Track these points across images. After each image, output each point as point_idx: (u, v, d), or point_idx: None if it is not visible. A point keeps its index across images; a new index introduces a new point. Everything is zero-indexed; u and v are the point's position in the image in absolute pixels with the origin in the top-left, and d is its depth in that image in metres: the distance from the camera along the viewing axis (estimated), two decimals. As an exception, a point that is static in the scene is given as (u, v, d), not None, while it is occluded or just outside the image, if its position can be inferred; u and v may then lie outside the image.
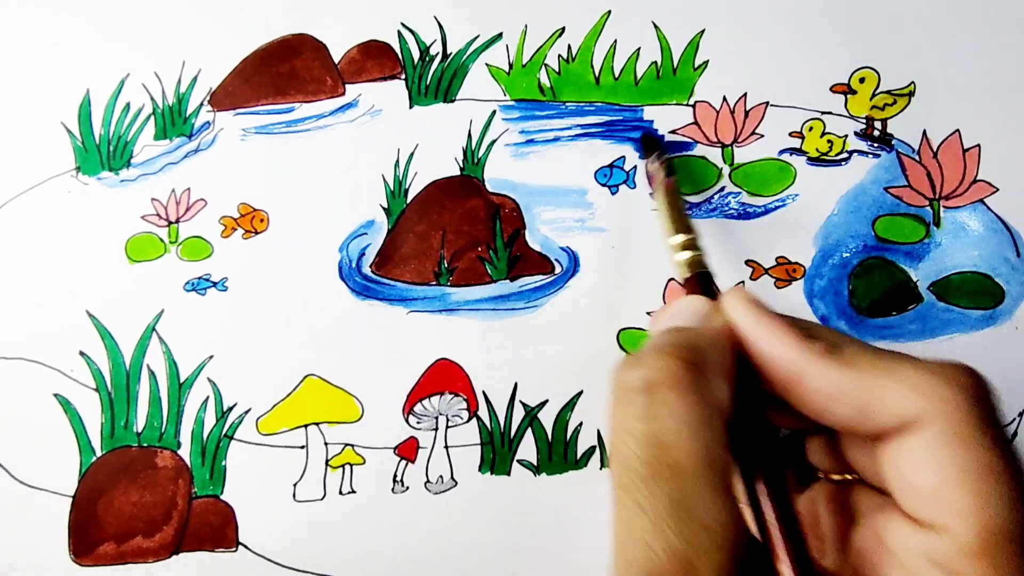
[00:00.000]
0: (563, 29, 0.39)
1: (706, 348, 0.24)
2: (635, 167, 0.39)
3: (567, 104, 0.39)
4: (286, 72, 0.40)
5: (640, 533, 0.22)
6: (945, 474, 0.22)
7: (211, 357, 0.39)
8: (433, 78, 0.40)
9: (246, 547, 0.38)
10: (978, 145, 0.38)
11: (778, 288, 0.38)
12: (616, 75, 0.39)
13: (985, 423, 0.22)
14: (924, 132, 0.38)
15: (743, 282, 0.26)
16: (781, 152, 0.39)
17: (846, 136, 0.38)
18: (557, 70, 0.39)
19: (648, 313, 0.38)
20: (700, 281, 0.29)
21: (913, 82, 0.38)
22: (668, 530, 0.21)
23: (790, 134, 0.38)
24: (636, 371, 0.23)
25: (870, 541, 0.25)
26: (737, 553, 0.21)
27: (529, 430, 0.38)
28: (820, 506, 0.28)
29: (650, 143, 0.38)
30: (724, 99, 0.39)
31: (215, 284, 0.39)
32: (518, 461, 0.38)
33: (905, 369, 0.23)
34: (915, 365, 0.23)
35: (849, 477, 0.28)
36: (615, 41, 0.39)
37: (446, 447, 0.38)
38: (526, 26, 0.40)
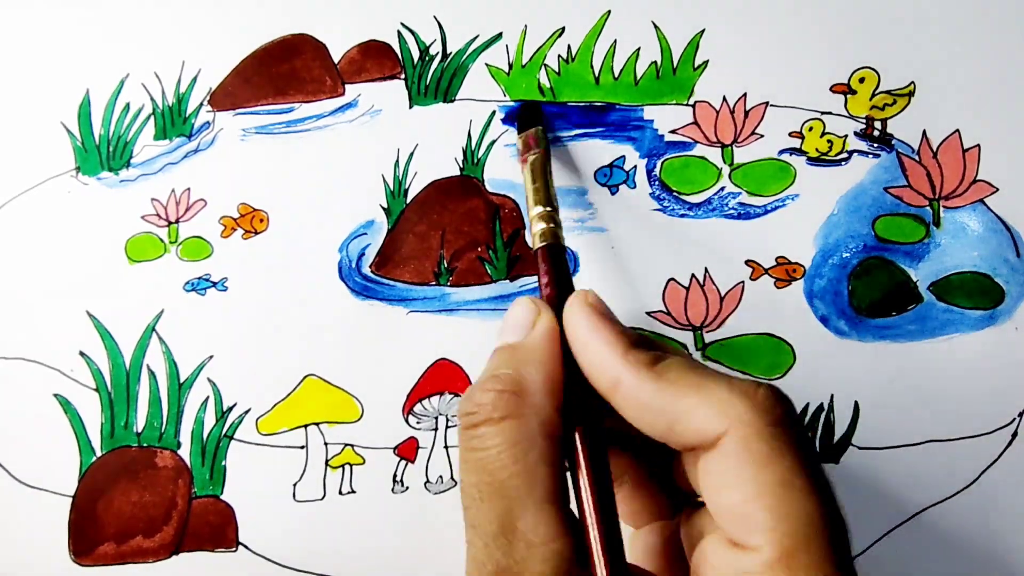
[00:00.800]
0: (563, 29, 0.39)
1: (525, 369, 0.26)
2: (635, 167, 0.39)
3: (567, 104, 0.39)
4: (286, 72, 0.40)
5: (474, 552, 0.24)
6: (745, 492, 0.23)
7: (211, 357, 0.39)
8: (433, 78, 0.40)
9: (246, 547, 0.38)
10: (978, 145, 0.38)
11: (778, 288, 0.38)
12: (616, 75, 0.39)
13: (783, 442, 0.23)
14: (924, 132, 0.38)
15: (588, 291, 0.28)
16: (781, 152, 0.39)
17: (846, 136, 0.38)
18: (557, 70, 0.39)
19: (648, 313, 0.38)
20: (549, 252, 0.31)
21: (913, 82, 0.38)
22: (496, 549, 0.24)
23: (790, 134, 0.38)
24: (465, 405, 0.26)
25: (702, 562, 0.25)
26: (565, 563, 0.23)
27: (529, 430, 0.38)
28: (682, 530, 0.29)
29: (529, 114, 0.38)
30: (724, 99, 0.39)
31: (215, 284, 0.39)
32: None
33: (713, 388, 0.24)
34: (723, 384, 0.24)
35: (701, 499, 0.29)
36: (615, 41, 0.39)
37: (446, 447, 0.38)
38: (526, 26, 0.40)
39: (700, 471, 0.24)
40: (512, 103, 0.39)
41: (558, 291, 0.30)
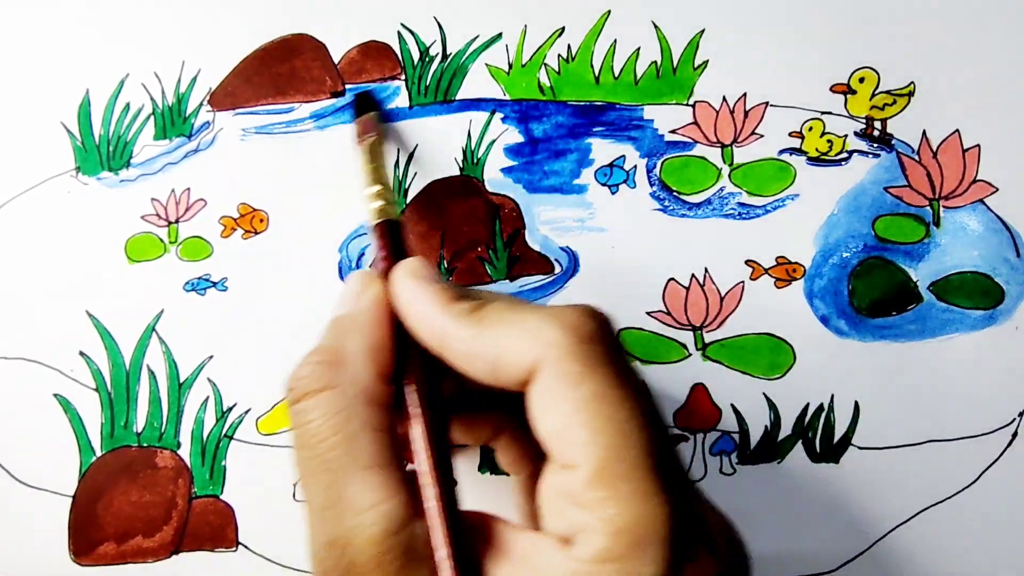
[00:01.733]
0: (563, 29, 0.39)
1: (346, 338, 0.27)
2: (635, 167, 0.39)
3: (567, 104, 0.39)
4: (286, 72, 0.40)
5: (310, 526, 0.24)
6: (562, 413, 0.23)
7: (211, 357, 0.39)
8: (433, 78, 0.40)
9: (246, 547, 0.38)
10: (978, 145, 0.38)
11: (778, 288, 0.38)
12: (616, 75, 0.39)
13: (593, 358, 0.23)
14: (924, 132, 0.38)
15: (429, 261, 0.29)
16: (781, 152, 0.39)
17: (846, 136, 0.38)
18: (557, 70, 0.39)
19: (648, 313, 0.38)
20: (386, 228, 0.31)
21: (913, 82, 0.38)
22: (326, 521, 0.24)
23: (790, 134, 0.38)
24: (289, 380, 0.26)
25: (540, 495, 0.25)
26: (396, 522, 0.23)
27: (529, 430, 0.38)
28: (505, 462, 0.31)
29: (365, 103, 0.39)
30: (724, 99, 0.39)
31: (215, 284, 0.39)
32: (518, 461, 0.38)
33: (525, 319, 0.24)
34: (535, 314, 0.25)
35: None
36: (615, 41, 0.39)
37: (446, 447, 0.38)
38: (526, 26, 0.40)
39: (528, 405, 0.24)
40: (512, 101, 0.39)
41: (393, 263, 0.30)
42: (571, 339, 0.23)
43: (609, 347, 0.24)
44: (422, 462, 0.25)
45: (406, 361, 0.27)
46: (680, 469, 0.24)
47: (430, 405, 0.26)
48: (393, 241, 0.30)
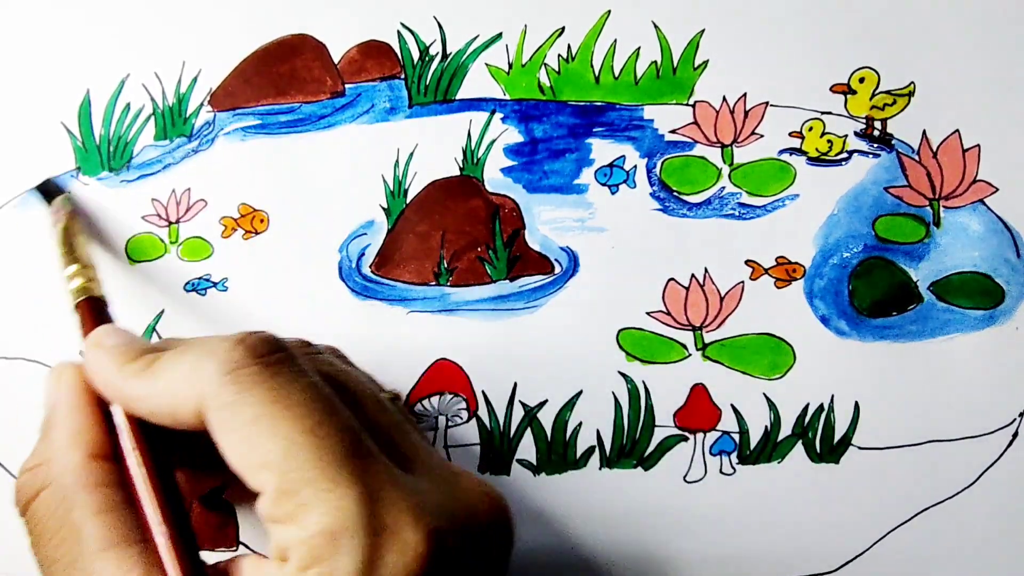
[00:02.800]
0: (563, 29, 0.39)
1: (51, 434, 0.27)
2: (635, 167, 0.39)
3: (567, 103, 0.39)
4: (286, 72, 0.40)
5: None
6: (234, 443, 0.23)
7: (211, 357, 0.39)
8: (433, 78, 0.40)
9: (246, 547, 0.38)
10: (978, 145, 0.38)
11: (778, 288, 0.38)
12: (616, 75, 0.39)
13: (246, 382, 0.23)
14: (924, 132, 0.38)
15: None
16: (781, 152, 0.39)
17: (846, 136, 0.38)
18: (557, 70, 0.39)
19: (648, 313, 0.38)
20: (88, 306, 0.31)
21: (913, 82, 0.38)
22: None
23: (790, 134, 0.38)
24: (13, 501, 0.27)
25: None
26: None
27: (528, 430, 0.38)
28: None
29: (49, 190, 0.39)
30: (724, 99, 0.39)
31: (215, 284, 0.39)
32: (518, 461, 0.38)
33: (184, 360, 0.24)
34: (192, 353, 0.24)
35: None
36: (615, 41, 0.39)
37: (446, 447, 0.38)
38: (526, 26, 0.40)
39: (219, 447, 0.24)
40: (512, 101, 0.39)
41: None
42: (220, 370, 0.23)
43: (263, 366, 0.24)
44: (155, 524, 0.25)
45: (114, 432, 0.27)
46: (370, 453, 0.23)
47: (154, 463, 0.26)
48: (96, 318, 0.30)
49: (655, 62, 0.39)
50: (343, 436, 0.23)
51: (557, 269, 0.39)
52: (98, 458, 0.26)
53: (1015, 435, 0.37)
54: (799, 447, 0.38)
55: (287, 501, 0.22)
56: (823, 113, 0.38)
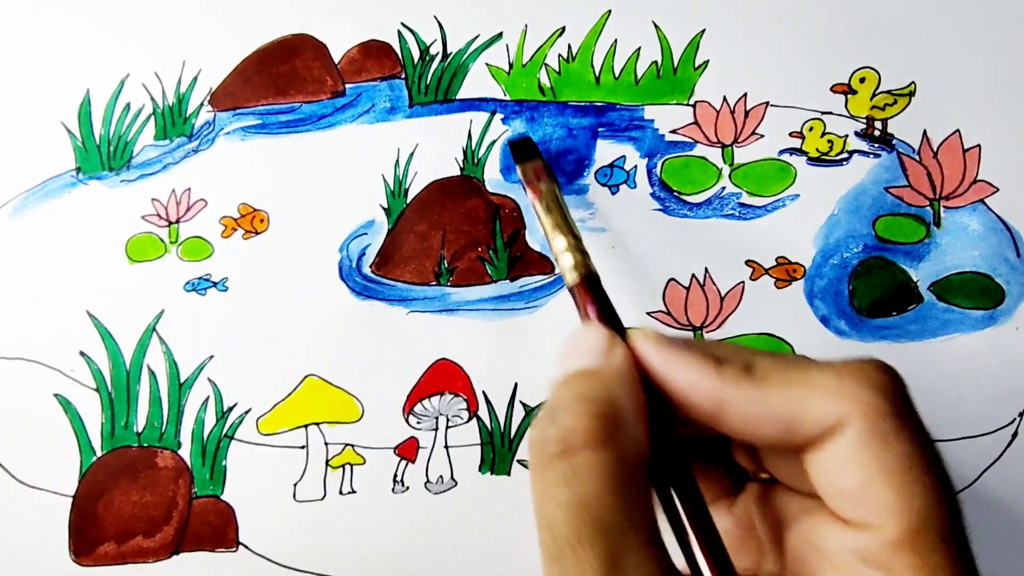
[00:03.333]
0: (563, 29, 0.39)
1: (616, 393, 0.24)
2: (635, 167, 0.39)
3: (568, 104, 0.39)
4: (286, 72, 0.40)
5: None
6: (868, 473, 0.22)
7: (211, 357, 0.39)
8: (433, 78, 0.40)
9: (246, 547, 0.38)
10: (978, 145, 0.38)
11: (778, 288, 0.38)
12: (616, 75, 0.39)
13: (903, 419, 0.23)
14: (924, 132, 0.38)
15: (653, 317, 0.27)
16: (781, 152, 0.38)
17: (846, 136, 0.38)
18: (557, 70, 0.39)
19: (649, 313, 0.38)
20: (588, 285, 0.29)
21: (913, 82, 0.38)
22: None
23: (790, 134, 0.38)
24: (550, 432, 0.23)
25: (802, 544, 0.25)
26: None
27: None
28: (752, 510, 0.28)
29: (523, 148, 0.37)
30: (724, 99, 0.39)
31: (215, 284, 0.39)
32: (518, 461, 0.38)
33: (821, 376, 0.23)
34: (829, 370, 0.24)
35: (766, 476, 0.28)
36: (615, 41, 0.39)
37: (446, 447, 0.38)
38: (526, 26, 0.40)
39: (812, 458, 0.24)
40: (512, 101, 0.39)
41: (608, 323, 0.28)
42: (879, 397, 0.23)
43: (912, 406, 0.23)
44: (702, 561, 0.24)
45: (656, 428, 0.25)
46: (969, 543, 0.23)
47: (695, 492, 0.25)
48: (601, 300, 0.28)
49: (655, 62, 0.39)
50: (962, 514, 0.23)
51: (557, 269, 0.38)
52: (648, 441, 0.24)
53: (1015, 435, 0.37)
54: (799, 447, 0.38)
55: (910, 555, 0.22)
56: (823, 113, 0.38)
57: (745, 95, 0.39)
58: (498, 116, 0.39)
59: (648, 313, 0.38)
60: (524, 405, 0.38)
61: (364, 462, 0.38)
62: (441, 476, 0.38)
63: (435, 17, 0.40)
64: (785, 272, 0.38)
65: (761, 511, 0.28)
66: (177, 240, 0.39)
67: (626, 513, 0.22)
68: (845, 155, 0.38)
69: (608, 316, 0.28)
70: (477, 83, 0.40)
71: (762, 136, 0.39)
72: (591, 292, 0.29)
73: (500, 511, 0.37)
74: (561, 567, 0.22)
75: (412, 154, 0.39)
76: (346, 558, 0.37)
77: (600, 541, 0.21)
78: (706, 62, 0.39)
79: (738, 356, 0.25)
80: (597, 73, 0.39)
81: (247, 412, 0.38)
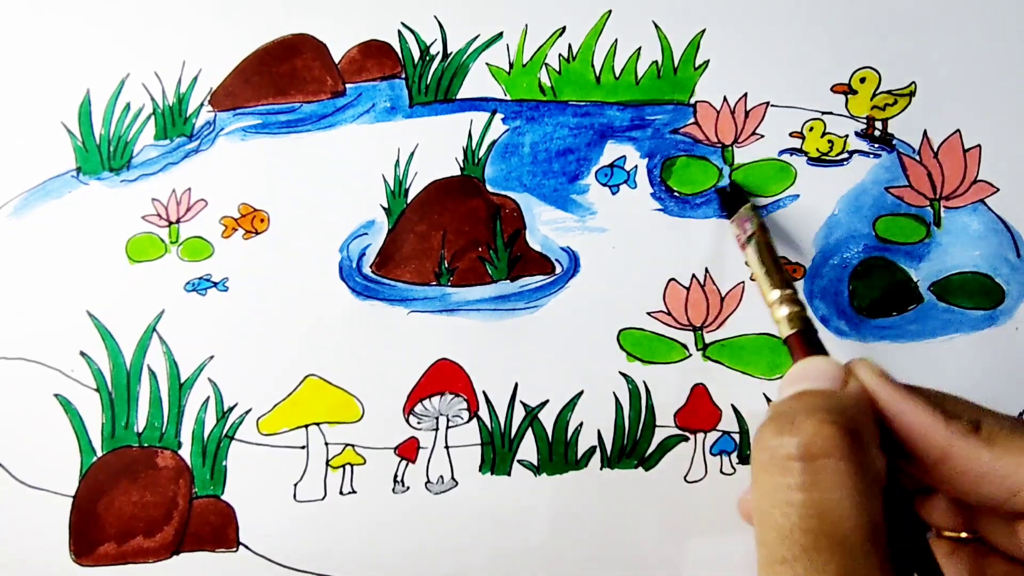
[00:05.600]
0: (563, 28, 0.39)
1: (857, 415, 0.24)
2: (635, 167, 0.39)
3: (568, 103, 0.39)
4: (286, 72, 0.40)
5: None
6: None
7: (211, 357, 0.39)
8: (433, 78, 0.40)
9: (246, 547, 0.38)
10: (978, 145, 0.38)
11: (778, 288, 0.38)
12: (617, 75, 0.39)
13: None
14: (925, 132, 0.38)
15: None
16: (781, 152, 0.38)
17: (847, 136, 0.38)
18: (558, 69, 0.39)
19: (649, 313, 0.38)
20: (804, 338, 0.28)
21: (914, 82, 0.38)
22: None
23: (790, 134, 0.38)
24: (791, 437, 0.22)
25: None
26: None
27: (529, 430, 0.38)
28: (942, 564, 0.27)
29: (733, 197, 0.37)
30: (724, 99, 0.39)
31: (216, 284, 0.39)
32: (518, 461, 0.38)
33: None
34: None
35: (965, 535, 0.28)
36: (616, 41, 0.39)
37: (446, 447, 0.38)
38: (526, 26, 0.40)
39: None
40: (513, 101, 0.39)
41: None
42: None
43: None
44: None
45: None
46: None
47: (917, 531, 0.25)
48: (815, 350, 0.28)
49: (656, 62, 0.39)
50: None
51: (558, 269, 0.39)
52: (885, 471, 0.24)
53: (1015, 435, 0.37)
54: (799, 447, 0.38)
55: None
56: (824, 113, 0.38)
57: (745, 95, 0.39)
58: (498, 116, 0.39)
59: (649, 313, 0.38)
60: (524, 405, 0.38)
61: (364, 462, 0.38)
62: (441, 476, 0.38)
63: (435, 17, 0.40)
64: (785, 272, 0.38)
65: (954, 567, 0.27)
66: (177, 240, 0.39)
67: (867, 530, 0.21)
68: (845, 155, 0.38)
69: None
70: (477, 83, 0.40)
71: (762, 136, 0.39)
72: (807, 344, 0.28)
73: (500, 511, 0.37)
74: (791, 571, 0.21)
75: (412, 154, 0.39)
76: (346, 558, 0.37)
77: (839, 551, 0.21)
78: (706, 62, 0.39)
79: (965, 411, 0.25)
80: (597, 73, 0.39)
81: (247, 412, 0.38)
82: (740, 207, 0.36)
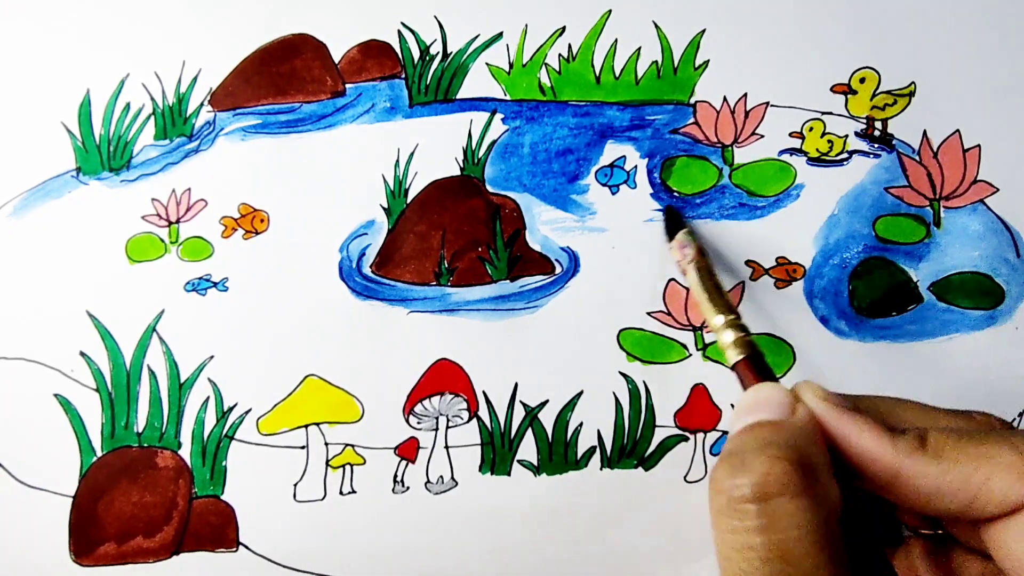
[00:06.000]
0: (563, 28, 0.39)
1: (807, 445, 0.23)
2: (635, 167, 0.39)
3: (568, 103, 0.39)
4: (286, 72, 0.40)
5: None
6: None
7: (211, 357, 0.39)
8: (433, 78, 0.40)
9: (246, 547, 0.38)
10: (978, 145, 0.38)
11: (778, 288, 0.38)
12: (617, 75, 0.39)
13: None
14: (924, 132, 0.38)
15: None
16: (781, 152, 0.39)
17: (846, 136, 0.38)
18: (557, 69, 0.39)
19: (649, 313, 0.38)
20: (753, 363, 0.28)
21: (913, 82, 0.38)
22: None
23: (790, 134, 0.38)
24: (743, 477, 0.22)
25: None
26: None
27: (529, 430, 0.38)
28: (920, 564, 0.28)
29: (670, 222, 0.37)
30: (724, 99, 0.39)
31: (215, 284, 0.39)
32: (518, 461, 0.38)
33: (1001, 453, 0.23)
34: (1007, 445, 0.23)
35: (941, 532, 0.28)
36: (615, 40, 0.39)
37: (446, 447, 0.38)
38: (526, 25, 0.40)
39: (993, 530, 0.24)
40: (512, 101, 0.39)
41: None
42: None
43: None
44: None
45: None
46: None
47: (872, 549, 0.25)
48: (759, 375, 0.28)
49: (656, 62, 0.39)
50: None
51: (558, 269, 0.39)
52: (840, 501, 0.24)
53: (1015, 435, 0.37)
54: (799, 447, 0.38)
55: None
56: (824, 113, 0.38)
57: (745, 95, 0.39)
58: (498, 116, 0.39)
59: (649, 313, 0.38)
60: (524, 405, 0.38)
61: (364, 462, 0.38)
62: (441, 476, 0.38)
63: (435, 17, 0.40)
64: (785, 272, 0.38)
65: (929, 566, 0.27)
66: (177, 240, 0.39)
67: (828, 562, 0.21)
68: (845, 155, 0.38)
69: None
70: (477, 83, 0.40)
71: (762, 136, 0.39)
72: (755, 369, 0.28)
73: (500, 511, 0.37)
74: None
75: (412, 154, 0.39)
76: (346, 558, 0.37)
77: None
78: (706, 62, 0.39)
79: (913, 419, 0.25)
80: (597, 73, 0.39)
81: (247, 412, 0.38)
82: (677, 232, 0.36)
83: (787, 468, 0.22)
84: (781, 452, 0.22)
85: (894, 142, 0.38)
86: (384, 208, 0.39)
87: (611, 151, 0.39)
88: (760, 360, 0.28)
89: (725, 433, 0.38)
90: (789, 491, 0.22)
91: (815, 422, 0.25)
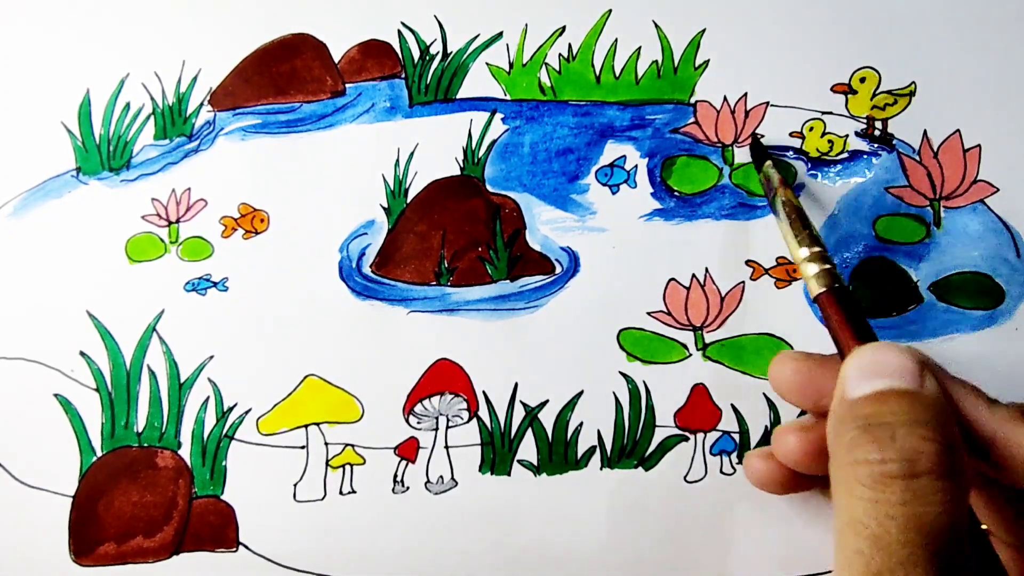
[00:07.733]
0: (563, 28, 0.39)
1: (951, 424, 0.24)
2: (635, 167, 0.39)
3: (568, 103, 0.39)
4: (286, 72, 0.40)
5: None
6: None
7: (211, 357, 0.39)
8: (433, 77, 0.40)
9: (246, 547, 0.38)
10: (978, 145, 0.38)
11: (778, 288, 0.38)
12: (617, 74, 0.39)
13: None
14: (925, 132, 0.38)
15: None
16: (781, 152, 0.38)
17: (847, 136, 0.38)
18: (558, 69, 0.39)
19: (649, 313, 0.38)
20: (837, 298, 0.27)
21: (914, 82, 0.38)
22: None
23: (791, 134, 0.38)
24: (894, 454, 0.23)
25: None
26: None
27: (529, 430, 0.38)
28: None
29: (756, 153, 0.37)
30: (724, 99, 0.39)
31: (215, 284, 0.39)
32: (518, 461, 0.38)
33: None
34: None
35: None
36: (616, 40, 0.39)
37: (446, 447, 0.38)
38: (526, 25, 0.40)
39: None
40: (512, 101, 0.39)
41: (862, 339, 0.27)
42: None
43: None
44: None
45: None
46: None
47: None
48: (853, 315, 0.27)
49: (656, 62, 0.39)
50: None
51: (558, 269, 0.39)
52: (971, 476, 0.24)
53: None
54: (799, 447, 0.38)
55: None
56: (824, 113, 0.38)
57: (745, 95, 0.39)
58: (498, 116, 0.39)
59: (649, 313, 0.38)
60: (524, 405, 0.38)
61: (364, 462, 0.38)
62: (441, 476, 0.38)
63: (435, 17, 0.40)
64: (785, 272, 0.38)
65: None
66: (177, 240, 0.39)
67: (964, 544, 0.22)
68: (845, 155, 0.38)
69: (862, 334, 0.27)
70: (477, 83, 0.40)
71: (762, 136, 0.39)
72: (839, 307, 0.27)
73: (500, 511, 0.37)
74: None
75: (412, 154, 0.39)
76: (346, 558, 0.37)
77: (935, 566, 0.21)
78: (706, 62, 0.39)
79: (1001, 401, 0.25)
80: (597, 73, 0.39)
81: (247, 412, 0.38)
82: (762, 164, 0.36)
83: (938, 449, 0.22)
84: (931, 434, 0.23)
85: (894, 142, 0.38)
86: (384, 208, 0.39)
87: (611, 151, 0.39)
88: (845, 295, 0.27)
89: (725, 433, 0.38)
90: (936, 471, 0.22)
91: (948, 397, 0.25)
